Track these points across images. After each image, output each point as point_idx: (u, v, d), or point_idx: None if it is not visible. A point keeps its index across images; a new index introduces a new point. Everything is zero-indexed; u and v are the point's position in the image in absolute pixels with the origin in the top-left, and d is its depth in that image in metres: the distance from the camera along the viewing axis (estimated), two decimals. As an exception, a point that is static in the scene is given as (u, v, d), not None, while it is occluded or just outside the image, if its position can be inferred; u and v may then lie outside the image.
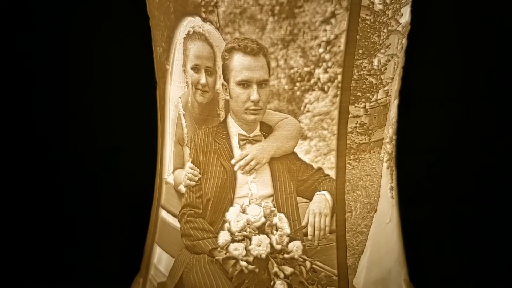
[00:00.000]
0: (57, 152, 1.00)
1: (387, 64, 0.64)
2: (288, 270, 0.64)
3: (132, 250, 0.80)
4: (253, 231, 0.63)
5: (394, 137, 0.72)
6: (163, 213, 0.70)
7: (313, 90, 0.60)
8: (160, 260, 0.71)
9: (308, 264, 0.64)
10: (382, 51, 0.62)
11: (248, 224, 0.63)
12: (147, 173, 0.75)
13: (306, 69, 0.59)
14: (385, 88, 0.65)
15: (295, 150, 0.62)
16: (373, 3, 0.59)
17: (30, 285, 0.94)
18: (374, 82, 0.63)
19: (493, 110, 0.99)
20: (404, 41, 0.68)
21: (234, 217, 0.63)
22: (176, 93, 0.66)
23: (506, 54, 0.96)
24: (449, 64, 0.97)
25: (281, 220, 0.63)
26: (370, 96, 0.63)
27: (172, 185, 0.69)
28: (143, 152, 0.80)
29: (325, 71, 0.60)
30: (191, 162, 0.65)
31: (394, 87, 0.68)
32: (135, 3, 0.67)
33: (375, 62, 0.62)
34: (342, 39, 0.59)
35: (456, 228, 1.01)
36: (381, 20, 0.60)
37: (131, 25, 0.85)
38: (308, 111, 0.60)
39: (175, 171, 0.68)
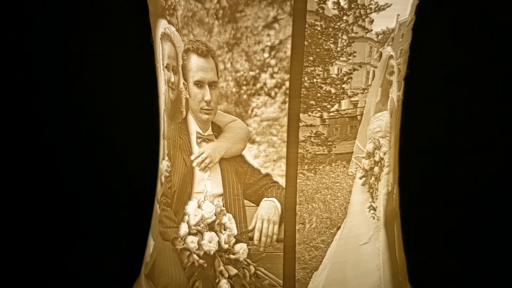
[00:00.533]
0: (57, 153, 1.00)
1: (352, 74, 0.60)
2: (233, 271, 0.65)
3: (134, 251, 0.80)
4: (205, 227, 0.65)
5: (381, 154, 0.67)
6: (157, 204, 0.76)
7: (260, 94, 0.60)
8: (149, 248, 0.77)
9: (252, 268, 0.64)
10: (343, 59, 0.59)
11: (202, 219, 0.66)
12: (150, 172, 0.77)
13: (251, 73, 0.59)
14: (353, 99, 0.62)
15: (244, 153, 0.62)
16: (323, 8, 0.56)
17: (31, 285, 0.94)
18: (333, 91, 0.60)
19: (494, 112, 0.99)
20: (389, 50, 0.63)
21: (192, 211, 0.67)
22: (161, 90, 0.71)
23: (508, 54, 0.96)
24: (451, 65, 0.97)
25: (230, 221, 0.64)
26: (328, 106, 0.60)
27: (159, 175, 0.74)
28: (146, 150, 0.82)
29: (272, 76, 0.59)
30: (166, 155, 0.70)
31: (373, 99, 0.63)
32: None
33: (334, 71, 0.59)
34: (288, 45, 0.58)
35: (459, 231, 1.01)
36: (336, 26, 0.57)
37: (134, 24, 0.89)
38: (256, 115, 0.61)
39: (161, 162, 0.74)
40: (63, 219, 0.99)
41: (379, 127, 0.66)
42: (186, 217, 0.67)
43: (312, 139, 0.61)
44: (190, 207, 0.67)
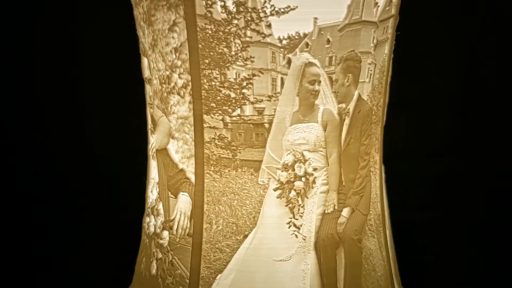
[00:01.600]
0: (54, 159, 0.99)
1: (252, 79, 0.59)
2: (159, 254, 0.71)
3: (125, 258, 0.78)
4: (151, 211, 0.73)
5: (308, 169, 0.63)
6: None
7: (173, 93, 0.64)
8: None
9: (170, 256, 0.69)
10: (240, 63, 0.59)
11: (150, 203, 0.74)
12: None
13: (167, 72, 0.64)
14: (258, 106, 0.60)
15: (168, 146, 0.67)
16: (211, 12, 0.57)
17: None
18: (233, 95, 0.60)
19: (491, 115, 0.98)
20: (306, 56, 0.59)
21: (149, 194, 0.75)
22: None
23: (502, 55, 0.95)
24: (444, 67, 0.97)
25: (161, 208, 0.71)
26: (229, 110, 0.61)
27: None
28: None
29: (180, 77, 0.63)
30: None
31: (288, 108, 0.61)
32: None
33: (230, 75, 0.59)
34: (187, 47, 0.61)
35: (456, 233, 1.00)
36: (227, 30, 0.58)
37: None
38: (173, 113, 0.65)
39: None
40: (57, 225, 0.99)
41: (303, 139, 0.61)
42: (148, 199, 0.75)
43: (216, 141, 0.62)
44: (148, 191, 0.75)
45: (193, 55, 0.60)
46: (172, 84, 0.63)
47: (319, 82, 0.60)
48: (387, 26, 0.64)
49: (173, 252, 0.68)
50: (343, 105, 0.62)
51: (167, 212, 0.69)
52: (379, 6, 0.61)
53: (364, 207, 0.67)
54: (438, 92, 0.97)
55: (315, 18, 0.57)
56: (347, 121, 0.63)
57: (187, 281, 0.66)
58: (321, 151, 0.63)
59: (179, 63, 0.62)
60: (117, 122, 0.98)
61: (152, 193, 0.72)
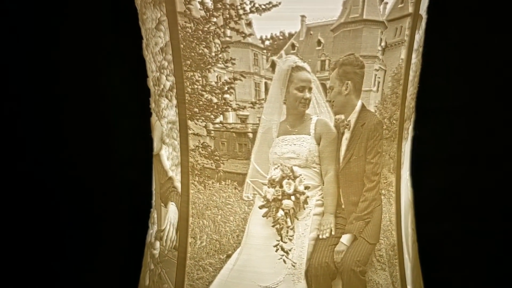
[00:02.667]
0: (52, 165, 0.95)
1: (233, 83, 0.54)
2: (152, 265, 0.68)
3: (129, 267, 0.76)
4: (150, 219, 0.70)
5: (299, 187, 0.56)
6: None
7: (163, 96, 0.60)
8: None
9: (159, 268, 0.66)
10: (222, 65, 0.54)
11: (151, 211, 0.71)
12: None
13: (156, 74, 0.60)
14: (241, 113, 0.55)
15: (161, 152, 0.64)
16: (190, 9, 0.53)
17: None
18: (215, 101, 0.55)
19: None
20: (293, 59, 0.53)
21: (152, 202, 0.72)
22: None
23: None
24: (470, 74, 0.94)
25: (156, 217, 0.68)
26: (212, 116, 0.56)
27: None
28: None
29: (167, 78, 0.59)
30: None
31: (274, 117, 0.54)
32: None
33: (212, 78, 0.55)
34: (171, 47, 0.57)
35: (473, 245, 0.99)
36: (205, 29, 0.53)
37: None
38: (164, 117, 0.62)
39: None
40: (57, 233, 0.97)
41: (293, 153, 0.55)
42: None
43: (200, 149, 0.57)
44: (152, 198, 0.72)
45: (175, 55, 0.56)
46: (162, 86, 0.60)
47: (310, 89, 0.53)
48: (402, 27, 0.55)
49: (162, 264, 0.64)
50: (342, 117, 0.54)
51: (159, 221, 0.65)
52: (387, 3, 0.53)
53: (371, 235, 0.58)
54: (455, 101, 0.95)
55: (303, 16, 0.50)
56: (347, 135, 0.55)
57: (176, 297, 0.62)
58: (315, 168, 0.55)
59: (165, 64, 0.58)
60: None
61: (153, 201, 0.69)
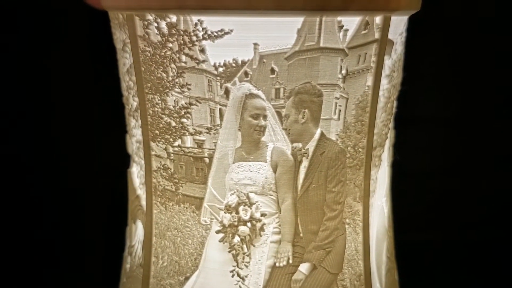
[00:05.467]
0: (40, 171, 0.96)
1: (189, 108, 0.54)
2: (124, 278, 0.69)
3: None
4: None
5: (256, 214, 0.55)
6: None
7: (131, 115, 0.61)
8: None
9: (128, 283, 0.67)
10: (178, 90, 0.54)
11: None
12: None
13: (126, 93, 0.61)
14: (197, 138, 0.55)
15: (132, 170, 0.65)
16: (148, 33, 0.53)
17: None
18: (174, 124, 0.55)
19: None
20: (247, 87, 0.52)
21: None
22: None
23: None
24: (451, 86, 0.96)
25: (128, 231, 0.68)
26: (171, 139, 0.56)
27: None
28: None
29: (133, 99, 0.60)
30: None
31: (230, 143, 0.54)
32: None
33: (170, 102, 0.55)
34: (134, 69, 0.57)
35: (456, 255, 1.00)
36: (162, 54, 0.53)
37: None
38: (133, 135, 0.62)
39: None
40: (44, 239, 0.98)
41: (249, 179, 0.54)
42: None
43: (161, 171, 0.58)
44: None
45: (138, 78, 0.56)
46: (130, 106, 0.60)
47: (265, 116, 0.52)
48: (366, 53, 0.53)
49: (130, 279, 0.65)
50: (299, 145, 0.53)
51: (130, 237, 0.66)
52: (347, 30, 0.51)
53: (332, 265, 0.57)
54: (437, 113, 0.96)
55: (255, 44, 0.49)
56: (305, 163, 0.54)
57: (137, 314, 0.63)
58: (271, 195, 0.54)
59: (131, 84, 0.58)
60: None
61: (128, 215, 0.70)
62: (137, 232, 0.64)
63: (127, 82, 0.59)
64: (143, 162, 0.60)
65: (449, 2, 0.91)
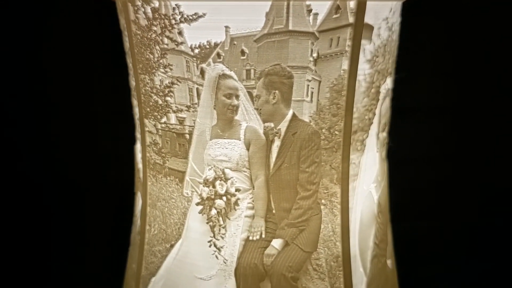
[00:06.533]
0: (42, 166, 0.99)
1: (172, 87, 0.58)
2: (131, 245, 0.75)
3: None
4: None
5: (231, 189, 0.59)
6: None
7: (132, 96, 0.67)
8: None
9: (131, 249, 0.73)
10: (162, 70, 0.59)
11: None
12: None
13: (131, 72, 0.67)
14: (179, 115, 0.59)
15: (136, 146, 0.70)
16: (138, 18, 0.58)
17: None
18: (160, 102, 0.60)
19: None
20: (220, 68, 0.56)
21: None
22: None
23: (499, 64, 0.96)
24: (445, 75, 0.97)
25: (135, 203, 0.74)
26: (159, 116, 0.61)
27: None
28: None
29: (132, 80, 0.65)
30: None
31: (206, 120, 0.58)
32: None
33: (157, 81, 0.60)
34: (130, 52, 0.63)
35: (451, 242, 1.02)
36: (149, 36, 0.58)
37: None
38: (135, 114, 0.68)
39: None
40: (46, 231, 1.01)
41: (225, 156, 0.58)
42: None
43: (152, 146, 0.63)
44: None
45: (133, 59, 0.61)
46: (131, 87, 0.66)
47: (237, 96, 0.55)
48: (339, 37, 0.54)
49: (132, 246, 0.70)
50: (271, 124, 0.56)
51: (135, 208, 0.72)
52: (317, 13, 0.53)
53: (305, 243, 0.59)
54: (436, 99, 0.96)
55: (227, 27, 0.52)
56: (277, 143, 0.57)
57: (135, 277, 0.68)
58: (245, 172, 0.57)
59: (130, 66, 0.64)
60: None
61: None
62: (138, 203, 0.69)
63: (128, 64, 0.64)
64: (140, 138, 0.65)
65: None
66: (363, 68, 0.58)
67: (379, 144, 0.65)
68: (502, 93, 0.97)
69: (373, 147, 0.63)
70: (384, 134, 0.66)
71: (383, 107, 0.64)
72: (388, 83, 0.64)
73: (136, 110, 0.65)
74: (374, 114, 0.62)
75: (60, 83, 0.98)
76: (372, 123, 0.62)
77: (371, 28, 0.56)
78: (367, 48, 0.57)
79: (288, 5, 0.51)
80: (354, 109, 0.58)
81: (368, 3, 0.54)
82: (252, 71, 0.53)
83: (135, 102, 0.65)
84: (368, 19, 0.56)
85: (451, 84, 0.96)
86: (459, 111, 0.98)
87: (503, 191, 1.02)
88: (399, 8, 0.61)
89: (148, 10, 0.56)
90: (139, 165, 0.67)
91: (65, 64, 0.96)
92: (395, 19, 0.61)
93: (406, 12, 0.63)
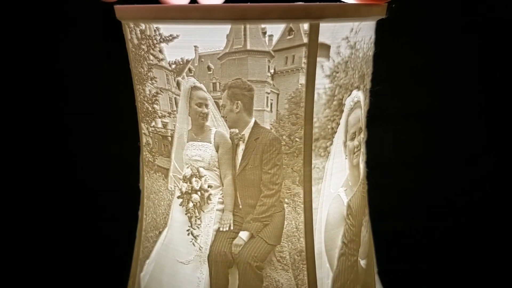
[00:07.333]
0: (55, 164, 1.06)
1: (157, 96, 0.69)
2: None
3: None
4: None
5: (204, 185, 0.69)
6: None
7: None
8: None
9: (137, 235, 0.84)
10: (150, 82, 0.69)
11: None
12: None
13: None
14: (163, 120, 0.70)
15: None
16: (132, 37, 0.69)
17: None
18: (150, 109, 0.71)
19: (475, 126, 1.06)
20: (192, 81, 0.65)
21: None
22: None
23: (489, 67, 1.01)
24: (429, 80, 1.02)
25: (144, 195, 0.85)
26: (149, 121, 0.71)
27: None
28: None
29: (134, 88, 0.76)
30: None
31: (184, 125, 0.68)
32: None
33: (147, 91, 0.70)
34: (130, 65, 0.74)
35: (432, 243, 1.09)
36: (139, 53, 0.68)
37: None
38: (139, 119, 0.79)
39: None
40: (56, 229, 1.09)
41: (199, 156, 0.67)
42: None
43: (146, 146, 0.73)
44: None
45: (132, 72, 0.72)
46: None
47: (207, 105, 0.64)
48: (295, 56, 0.62)
49: (138, 234, 0.81)
50: (236, 130, 0.64)
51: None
52: (272, 35, 0.60)
53: (269, 237, 0.67)
54: (415, 105, 1.02)
55: (196, 46, 0.62)
56: (242, 147, 0.65)
57: (136, 260, 0.79)
58: (215, 171, 0.66)
59: (132, 77, 0.74)
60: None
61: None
62: (141, 195, 0.80)
63: (132, 75, 0.75)
64: (140, 139, 0.76)
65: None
66: (323, 82, 0.64)
67: (348, 151, 0.71)
68: (480, 98, 1.00)
69: (340, 154, 0.69)
70: (355, 143, 0.72)
71: (352, 117, 0.70)
72: (357, 96, 0.69)
73: (137, 115, 0.76)
74: (338, 124, 0.68)
75: (77, 92, 1.10)
76: (335, 132, 0.68)
77: (327, 47, 0.63)
78: (325, 64, 0.64)
79: (245, 28, 0.59)
80: (315, 119, 0.65)
81: (322, 25, 0.61)
82: (217, 84, 0.62)
83: (136, 108, 0.76)
84: (324, 39, 0.62)
85: (431, 90, 1.01)
86: (439, 116, 1.02)
87: (481, 193, 1.05)
88: (366, 27, 0.67)
89: (138, 31, 0.66)
90: (140, 162, 0.78)
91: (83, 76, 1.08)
92: (360, 38, 0.67)
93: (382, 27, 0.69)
